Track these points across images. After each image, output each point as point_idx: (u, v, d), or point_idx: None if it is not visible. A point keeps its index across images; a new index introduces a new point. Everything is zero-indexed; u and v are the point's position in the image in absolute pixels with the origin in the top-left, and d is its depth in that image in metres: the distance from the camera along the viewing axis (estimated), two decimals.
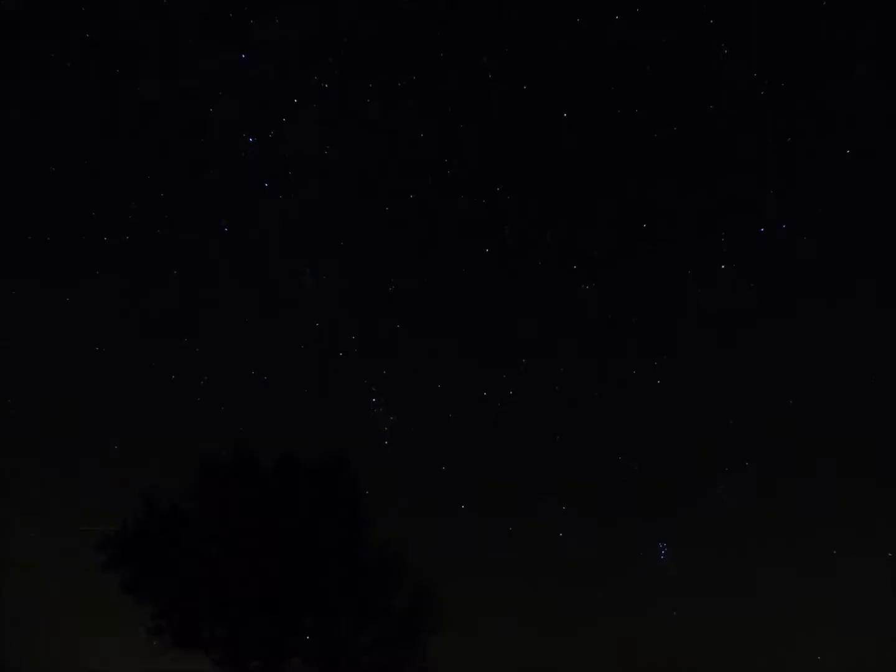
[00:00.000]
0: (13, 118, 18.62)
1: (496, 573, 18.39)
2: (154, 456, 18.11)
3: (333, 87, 19.21)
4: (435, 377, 19.73)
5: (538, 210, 19.96)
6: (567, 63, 19.09)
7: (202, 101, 19.02)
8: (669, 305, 19.63)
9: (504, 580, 18.31)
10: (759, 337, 19.17)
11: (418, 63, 19.16)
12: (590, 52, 19.03)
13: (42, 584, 16.98)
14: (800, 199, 18.98)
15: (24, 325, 18.96)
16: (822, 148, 18.62)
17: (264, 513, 13.06)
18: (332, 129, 19.53)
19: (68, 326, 19.19)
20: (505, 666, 17.48)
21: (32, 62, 18.68)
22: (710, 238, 19.33)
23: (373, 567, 13.82)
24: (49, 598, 16.90)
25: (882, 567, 17.63)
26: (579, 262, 19.74)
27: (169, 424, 19.12)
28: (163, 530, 13.07)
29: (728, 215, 19.27)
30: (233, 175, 19.47)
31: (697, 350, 19.54)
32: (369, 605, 13.65)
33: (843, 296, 18.68)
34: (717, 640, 17.94)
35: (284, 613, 13.04)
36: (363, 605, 13.61)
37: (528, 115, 19.59)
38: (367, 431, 19.38)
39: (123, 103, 19.14)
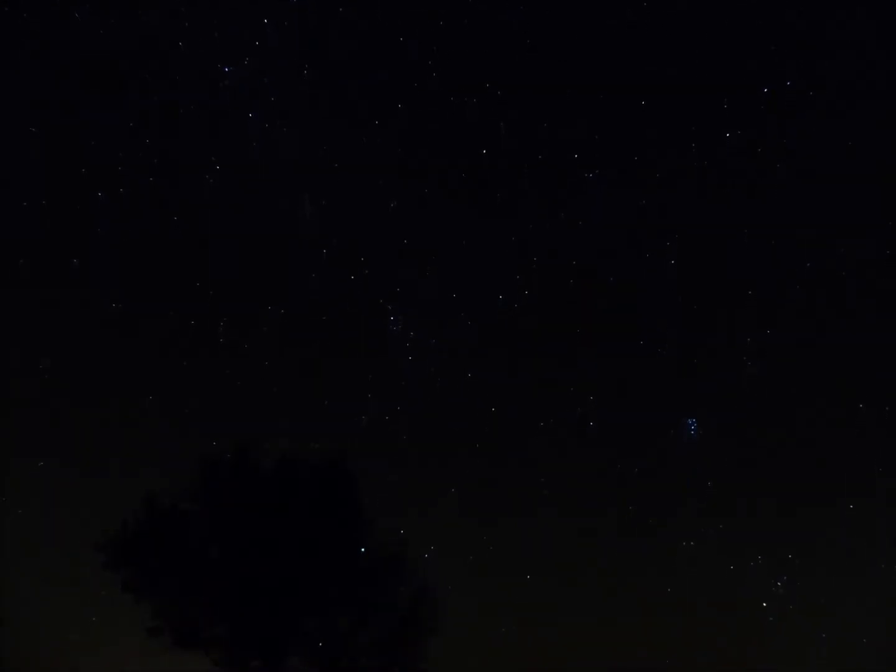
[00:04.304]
0: None
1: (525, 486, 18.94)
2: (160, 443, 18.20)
3: (305, 2, 18.37)
4: (448, 287, 19.59)
5: (533, 104, 19.12)
6: None
7: (168, 35, 18.09)
8: (677, 184, 19.15)
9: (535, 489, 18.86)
10: (770, 205, 18.76)
11: None
12: None
13: (42, 583, 16.98)
14: (805, 61, 18.39)
15: (20, 314, 18.63)
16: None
17: (264, 513, 13.05)
18: (308, 47, 18.67)
19: (64, 311, 18.94)
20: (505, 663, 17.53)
21: None
22: (712, 107, 18.66)
23: (373, 567, 13.83)
24: (49, 599, 16.88)
25: None
26: (581, 154, 19.08)
27: (187, 375, 19.05)
28: (163, 530, 13.05)
29: (730, 85, 18.59)
30: (215, 109, 18.74)
31: (710, 224, 19.15)
32: (369, 605, 13.66)
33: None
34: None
35: (284, 613, 13.03)
36: (363, 605, 13.62)
37: (515, 6, 18.66)
38: (389, 349, 19.36)
39: (90, 45, 18.26)
